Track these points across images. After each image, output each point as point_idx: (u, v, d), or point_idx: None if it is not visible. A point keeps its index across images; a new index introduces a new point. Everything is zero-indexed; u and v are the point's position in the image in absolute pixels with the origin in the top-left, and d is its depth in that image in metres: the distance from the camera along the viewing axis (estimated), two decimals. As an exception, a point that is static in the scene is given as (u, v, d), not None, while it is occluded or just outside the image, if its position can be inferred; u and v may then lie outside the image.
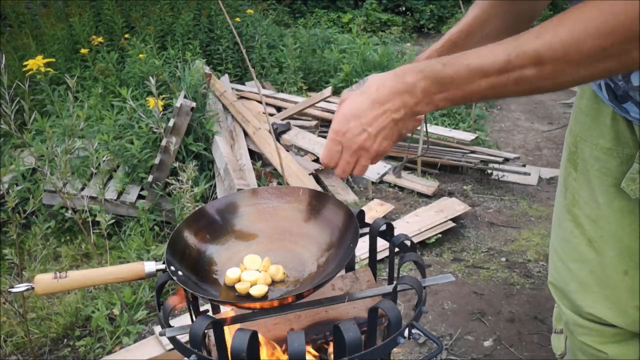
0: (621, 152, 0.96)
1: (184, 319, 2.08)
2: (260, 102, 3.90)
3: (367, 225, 1.11)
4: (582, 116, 1.05)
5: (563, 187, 1.12)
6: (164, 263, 0.94)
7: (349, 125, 0.79)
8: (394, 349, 0.92)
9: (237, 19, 5.03)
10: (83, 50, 3.80)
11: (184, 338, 0.87)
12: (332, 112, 3.96)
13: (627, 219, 0.98)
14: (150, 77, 2.34)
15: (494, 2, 1.03)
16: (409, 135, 0.87)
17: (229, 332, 0.93)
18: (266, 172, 3.21)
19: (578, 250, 1.07)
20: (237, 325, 0.89)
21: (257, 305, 0.92)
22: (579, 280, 1.08)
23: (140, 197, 2.91)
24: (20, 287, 0.90)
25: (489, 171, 3.55)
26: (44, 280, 0.90)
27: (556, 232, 1.17)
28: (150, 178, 2.84)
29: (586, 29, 0.66)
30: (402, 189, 3.42)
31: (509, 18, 1.03)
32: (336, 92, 4.52)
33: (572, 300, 1.11)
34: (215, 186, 3.03)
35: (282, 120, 3.76)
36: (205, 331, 0.84)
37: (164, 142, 2.80)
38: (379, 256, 2.36)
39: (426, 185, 3.35)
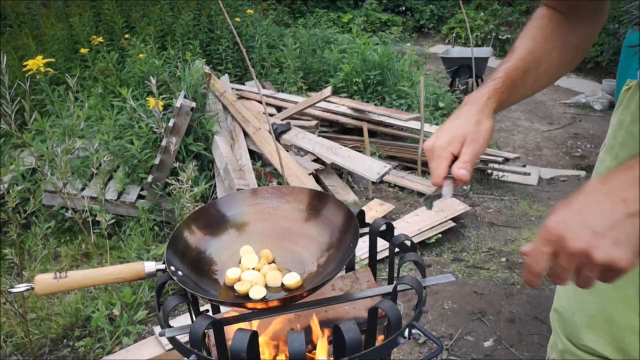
0: None
1: (184, 319, 2.08)
2: (260, 102, 3.89)
3: (367, 225, 1.11)
4: (633, 140, 0.92)
5: None
6: (164, 263, 0.94)
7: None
8: (394, 349, 0.92)
9: (237, 19, 5.03)
10: (83, 50, 3.80)
11: (183, 338, 0.87)
12: (332, 112, 3.96)
13: None
14: (151, 77, 2.34)
15: (549, 35, 0.96)
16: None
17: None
18: (266, 172, 3.21)
19: (597, 283, 1.05)
20: (237, 325, 0.89)
21: (257, 305, 0.92)
22: (587, 313, 1.05)
23: (140, 197, 2.91)
24: (20, 287, 0.90)
25: (489, 171, 3.54)
26: (44, 280, 0.90)
27: None
28: (150, 178, 2.84)
29: None
30: (402, 188, 3.41)
31: (566, 51, 0.97)
32: (336, 91, 4.52)
33: (574, 331, 1.09)
34: (215, 186, 3.03)
35: (282, 120, 3.76)
36: (205, 331, 0.84)
37: (164, 142, 2.80)
38: (379, 256, 2.36)
39: (426, 185, 3.34)
